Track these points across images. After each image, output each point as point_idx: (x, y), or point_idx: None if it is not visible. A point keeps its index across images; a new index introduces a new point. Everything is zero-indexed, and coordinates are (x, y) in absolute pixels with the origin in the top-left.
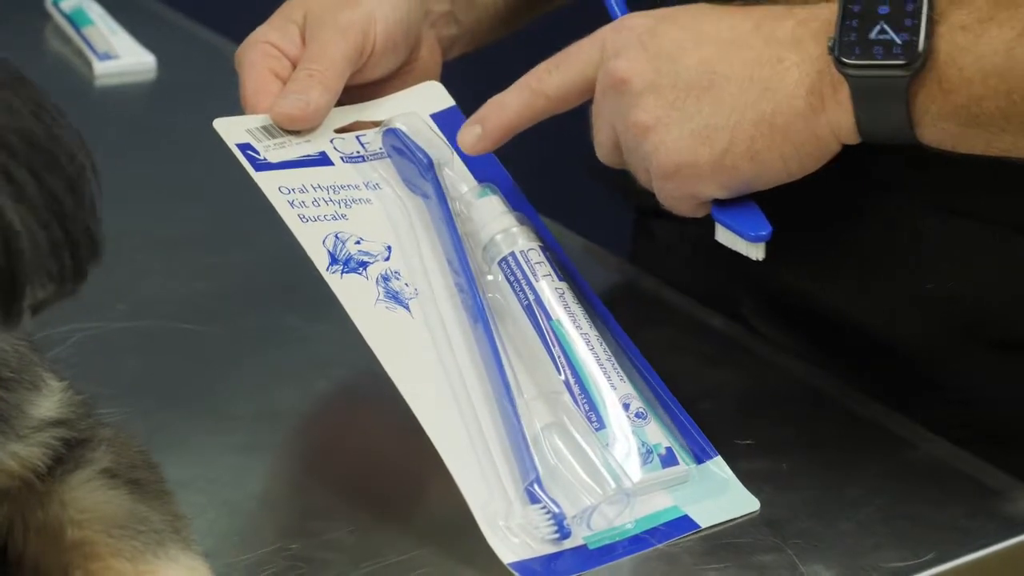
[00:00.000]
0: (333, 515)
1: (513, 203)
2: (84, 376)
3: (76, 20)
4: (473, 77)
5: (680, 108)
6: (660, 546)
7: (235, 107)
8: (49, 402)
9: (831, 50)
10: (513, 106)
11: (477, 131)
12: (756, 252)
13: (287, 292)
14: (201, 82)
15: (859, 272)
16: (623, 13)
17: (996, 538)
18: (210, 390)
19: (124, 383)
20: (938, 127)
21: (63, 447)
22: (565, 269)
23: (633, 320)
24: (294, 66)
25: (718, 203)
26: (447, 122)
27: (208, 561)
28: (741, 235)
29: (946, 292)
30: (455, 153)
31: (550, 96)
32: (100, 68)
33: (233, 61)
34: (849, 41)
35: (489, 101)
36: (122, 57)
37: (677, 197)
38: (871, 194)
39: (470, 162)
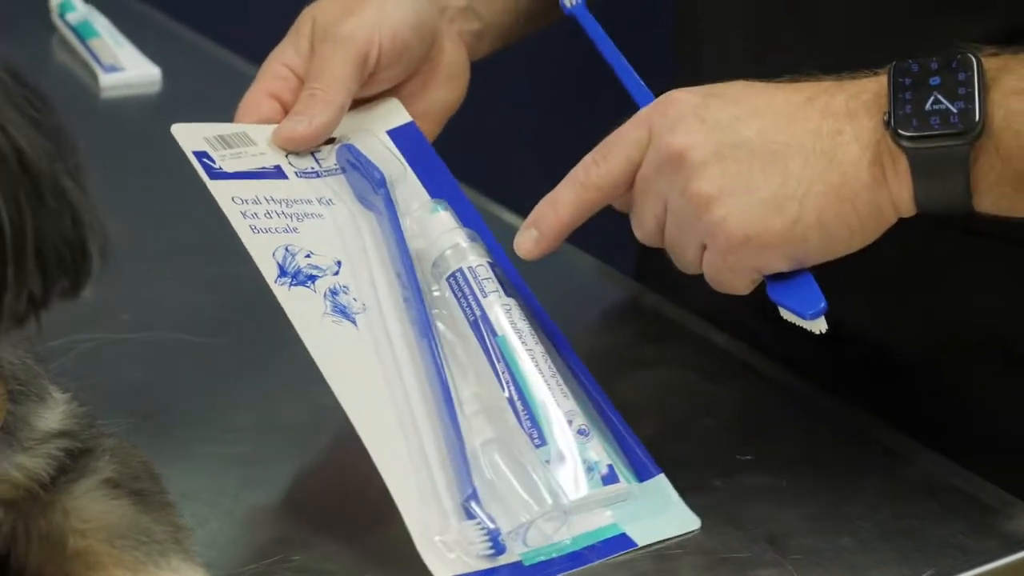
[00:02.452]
0: (335, 527)
1: (466, 220)
2: (88, 387)
3: (82, 32)
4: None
5: (746, 178)
6: (661, 561)
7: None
8: (53, 414)
9: (887, 124)
10: (566, 204)
11: (533, 234)
12: (818, 326)
13: None
14: (206, 94)
15: (868, 289)
16: (648, 97)
17: (995, 555)
18: (213, 401)
19: (127, 394)
20: (995, 193)
21: (67, 458)
22: (514, 286)
23: (636, 336)
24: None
25: (772, 279)
26: (403, 138)
27: (211, 571)
28: (797, 315)
29: (956, 310)
30: (408, 169)
31: (601, 187)
32: (106, 80)
33: (237, 72)
34: (905, 114)
35: (542, 201)
36: (127, 69)
37: (737, 271)
38: None
39: (425, 179)
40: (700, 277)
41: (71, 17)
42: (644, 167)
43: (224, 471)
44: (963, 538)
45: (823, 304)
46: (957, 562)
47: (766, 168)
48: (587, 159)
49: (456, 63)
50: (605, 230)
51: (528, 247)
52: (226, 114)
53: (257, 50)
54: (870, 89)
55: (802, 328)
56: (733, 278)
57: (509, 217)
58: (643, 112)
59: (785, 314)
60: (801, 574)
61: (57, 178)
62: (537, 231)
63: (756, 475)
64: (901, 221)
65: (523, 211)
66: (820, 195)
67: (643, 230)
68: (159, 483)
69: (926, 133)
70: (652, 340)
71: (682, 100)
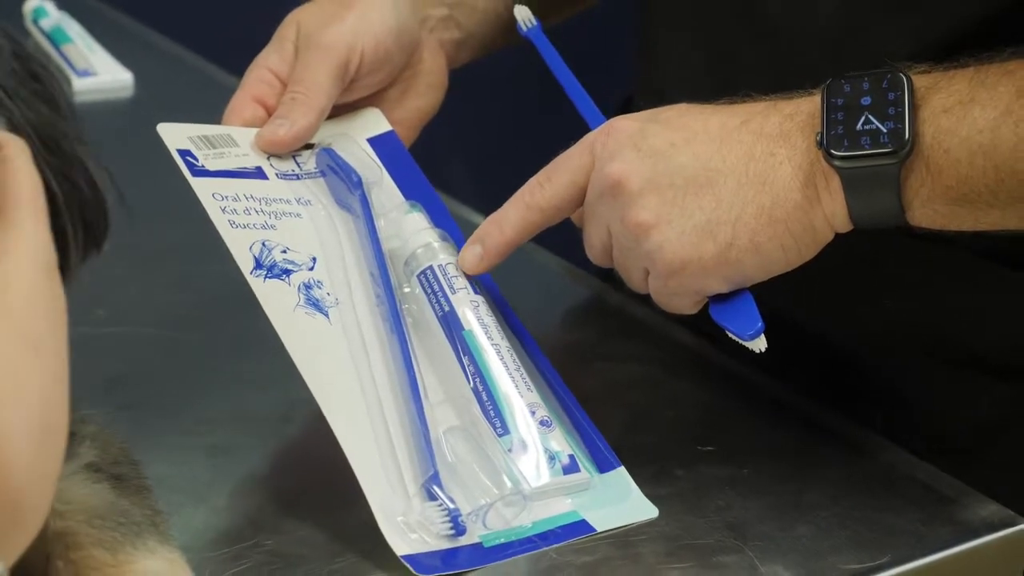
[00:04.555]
0: (306, 513)
1: (439, 221)
2: None
3: (55, 37)
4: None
5: (680, 205)
6: (623, 547)
7: (208, 121)
8: None
9: (820, 144)
10: (511, 223)
11: (478, 251)
12: (757, 346)
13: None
14: (177, 98)
15: (821, 288)
16: (599, 120)
17: (949, 543)
18: (187, 394)
19: (104, 386)
20: (928, 208)
21: None
22: (483, 284)
23: (601, 333)
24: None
25: (715, 300)
26: (383, 146)
27: (186, 555)
28: (737, 337)
29: (904, 310)
30: (384, 172)
31: (544, 209)
32: (79, 84)
33: (208, 78)
34: (837, 134)
35: (488, 220)
36: (100, 74)
37: (679, 294)
38: None
39: (400, 181)
40: None
41: (44, 23)
42: (588, 194)
43: (197, 460)
44: (919, 526)
45: (760, 325)
46: (913, 550)
47: (700, 194)
48: (533, 180)
49: (435, 72)
50: (571, 231)
51: (472, 263)
52: (196, 117)
53: (227, 55)
54: (804, 110)
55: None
56: (677, 300)
57: (480, 221)
58: (588, 137)
59: (729, 333)
60: (761, 560)
61: (71, 147)
62: (481, 248)
63: (717, 465)
64: (852, 232)
65: None
66: (752, 218)
67: (592, 252)
68: (137, 468)
69: (857, 153)
70: (616, 336)
71: (622, 128)
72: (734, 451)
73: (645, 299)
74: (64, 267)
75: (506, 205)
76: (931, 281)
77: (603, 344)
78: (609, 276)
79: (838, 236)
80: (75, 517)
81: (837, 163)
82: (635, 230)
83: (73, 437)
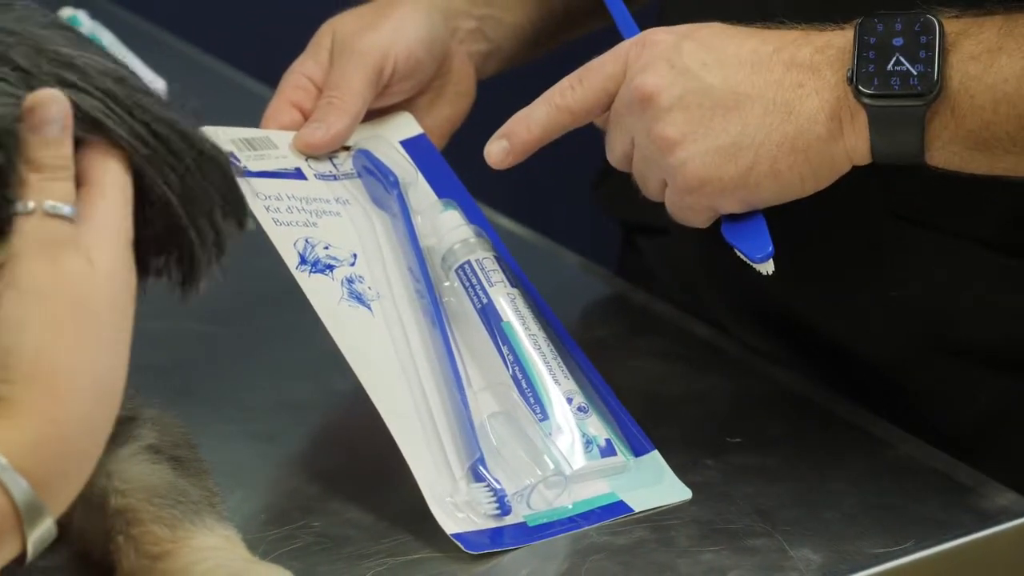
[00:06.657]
0: (350, 496)
1: (471, 219)
2: None
3: None
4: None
5: (707, 125)
6: (657, 531)
7: None
8: None
9: (850, 80)
10: (538, 121)
11: (504, 145)
12: (766, 268)
13: (298, 295)
14: (208, 106)
15: (826, 281)
16: (633, 31)
17: (969, 530)
18: (229, 384)
19: (151, 378)
20: (947, 151)
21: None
22: (518, 277)
23: (624, 329)
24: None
25: (728, 219)
26: (415, 148)
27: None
28: (748, 257)
29: (907, 301)
30: (419, 173)
31: (574, 111)
32: None
33: (238, 87)
34: (867, 72)
35: (515, 116)
36: None
37: (694, 209)
38: (835, 205)
39: (433, 181)
40: (676, 274)
41: None
42: (617, 101)
43: (244, 447)
44: (940, 513)
45: (771, 249)
46: (934, 535)
47: (727, 116)
48: (564, 82)
49: (464, 81)
50: (596, 233)
51: (499, 156)
52: (227, 124)
53: (258, 64)
54: (835, 44)
55: (764, 313)
56: (691, 215)
57: (505, 222)
58: (623, 46)
59: (738, 253)
60: (790, 544)
61: (192, 138)
62: (508, 143)
63: (745, 455)
64: (853, 210)
65: (519, 217)
66: (775, 145)
67: (613, 157)
68: (196, 452)
69: (886, 92)
70: (640, 333)
71: (658, 41)
72: (761, 442)
73: (667, 297)
74: (192, 265)
75: (535, 103)
76: (930, 272)
77: (628, 340)
78: (632, 275)
79: (845, 228)
80: (135, 495)
81: (865, 100)
82: (660, 144)
83: (134, 420)
